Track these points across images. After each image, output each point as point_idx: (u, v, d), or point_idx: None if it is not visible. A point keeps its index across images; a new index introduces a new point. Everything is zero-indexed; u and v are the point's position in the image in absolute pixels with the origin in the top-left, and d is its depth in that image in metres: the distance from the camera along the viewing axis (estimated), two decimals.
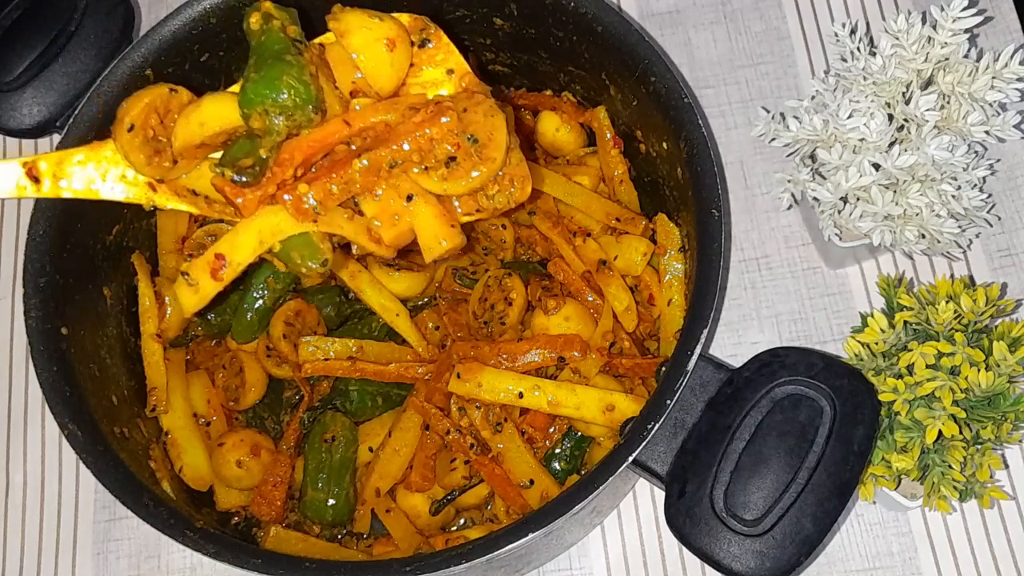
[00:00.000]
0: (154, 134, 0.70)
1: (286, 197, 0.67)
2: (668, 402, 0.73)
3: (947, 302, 0.83)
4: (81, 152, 0.70)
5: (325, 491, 0.89)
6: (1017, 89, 0.86)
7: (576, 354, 0.86)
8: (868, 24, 1.13)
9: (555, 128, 0.99)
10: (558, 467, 0.89)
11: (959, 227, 0.88)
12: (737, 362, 0.78)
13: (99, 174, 0.70)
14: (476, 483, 0.90)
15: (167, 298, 0.94)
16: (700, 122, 0.81)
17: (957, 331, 0.84)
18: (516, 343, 0.87)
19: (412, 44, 0.72)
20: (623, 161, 0.96)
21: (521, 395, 0.84)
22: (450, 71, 0.73)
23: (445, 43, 0.73)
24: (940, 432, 0.80)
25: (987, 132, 0.87)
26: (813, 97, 0.94)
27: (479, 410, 0.87)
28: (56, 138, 0.90)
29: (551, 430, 0.89)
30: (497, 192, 0.71)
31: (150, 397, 0.91)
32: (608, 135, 0.96)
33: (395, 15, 0.73)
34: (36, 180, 0.69)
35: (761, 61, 1.13)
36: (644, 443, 0.73)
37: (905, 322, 0.85)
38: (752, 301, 1.04)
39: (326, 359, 0.92)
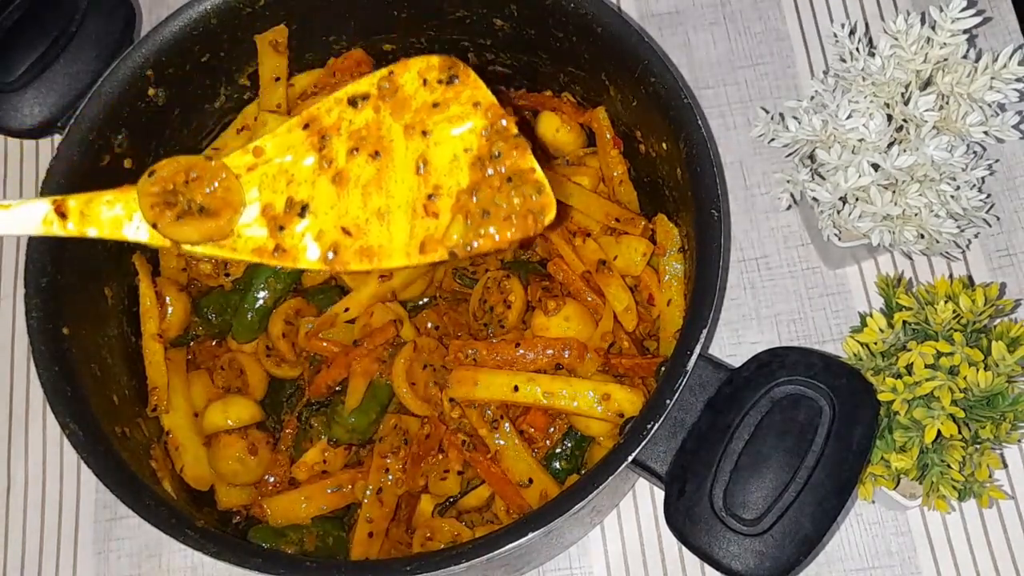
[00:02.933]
0: (174, 188, 0.70)
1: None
2: (668, 402, 0.73)
3: (946, 302, 0.83)
4: (110, 194, 0.70)
5: None
6: (1016, 89, 0.87)
7: (568, 354, 0.86)
8: (867, 25, 1.13)
9: (555, 128, 0.99)
10: (558, 467, 0.89)
11: (958, 227, 0.88)
12: (736, 362, 0.78)
13: (126, 215, 0.70)
14: (477, 484, 0.90)
15: (168, 298, 0.94)
16: (700, 122, 0.81)
17: (956, 331, 0.84)
18: (512, 347, 0.87)
19: (440, 82, 0.72)
20: (623, 161, 0.96)
21: (516, 388, 0.85)
22: (476, 104, 0.72)
23: (473, 80, 0.72)
24: (939, 432, 0.80)
25: (986, 132, 0.87)
26: (812, 97, 0.94)
27: (475, 408, 0.87)
28: (57, 138, 0.90)
29: (551, 430, 0.89)
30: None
31: (151, 397, 0.92)
32: (608, 135, 0.96)
33: (425, 58, 0.72)
34: (64, 217, 0.70)
35: (760, 62, 1.13)
36: (644, 442, 0.73)
37: (904, 322, 0.85)
38: (751, 301, 1.04)
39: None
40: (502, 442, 0.86)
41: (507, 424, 0.86)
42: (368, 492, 0.88)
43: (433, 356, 0.91)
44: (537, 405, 0.85)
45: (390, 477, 0.88)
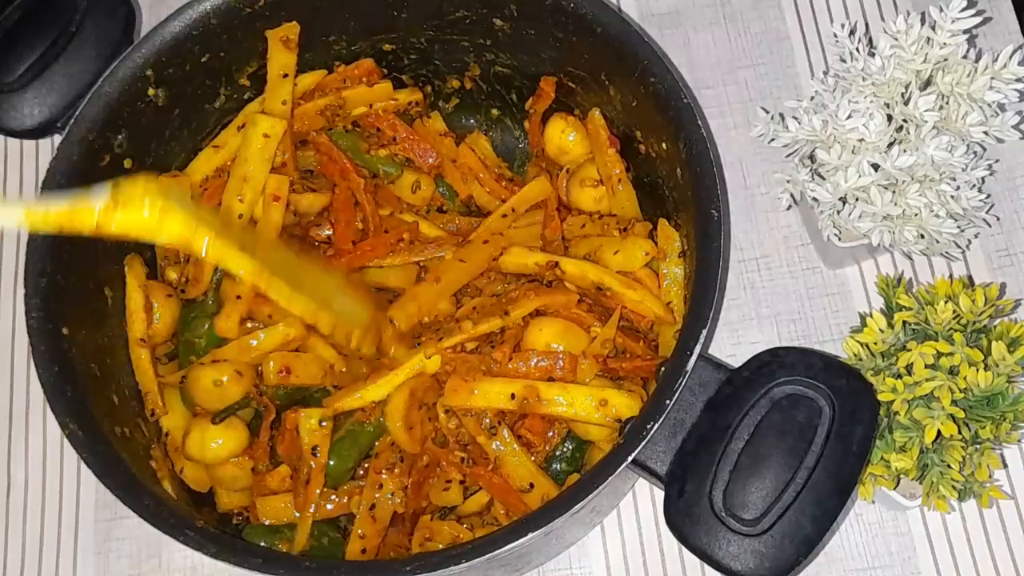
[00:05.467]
0: None
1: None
2: (667, 402, 0.73)
3: (946, 302, 0.83)
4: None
5: None
6: (1016, 90, 0.86)
7: (560, 363, 0.85)
8: (867, 25, 1.13)
9: (561, 130, 0.98)
10: (559, 468, 0.89)
11: (958, 227, 0.88)
12: (736, 362, 0.78)
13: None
14: (476, 491, 0.90)
15: (155, 304, 0.93)
16: (700, 122, 0.81)
17: (956, 331, 0.84)
18: (506, 360, 0.86)
19: None
20: (620, 161, 0.96)
21: (513, 396, 0.84)
22: None
23: None
24: (939, 432, 0.80)
25: (986, 132, 0.87)
26: (812, 97, 0.94)
27: (472, 417, 0.86)
28: (57, 139, 0.91)
29: (550, 434, 0.88)
30: None
31: (145, 401, 0.91)
32: (604, 134, 0.95)
33: None
34: None
35: (760, 62, 1.13)
36: (643, 443, 0.73)
37: (904, 322, 0.85)
38: (751, 301, 1.04)
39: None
40: (501, 448, 0.86)
41: (505, 430, 0.86)
42: (360, 508, 0.86)
43: (428, 395, 0.89)
44: (534, 412, 0.85)
45: (386, 494, 0.87)
